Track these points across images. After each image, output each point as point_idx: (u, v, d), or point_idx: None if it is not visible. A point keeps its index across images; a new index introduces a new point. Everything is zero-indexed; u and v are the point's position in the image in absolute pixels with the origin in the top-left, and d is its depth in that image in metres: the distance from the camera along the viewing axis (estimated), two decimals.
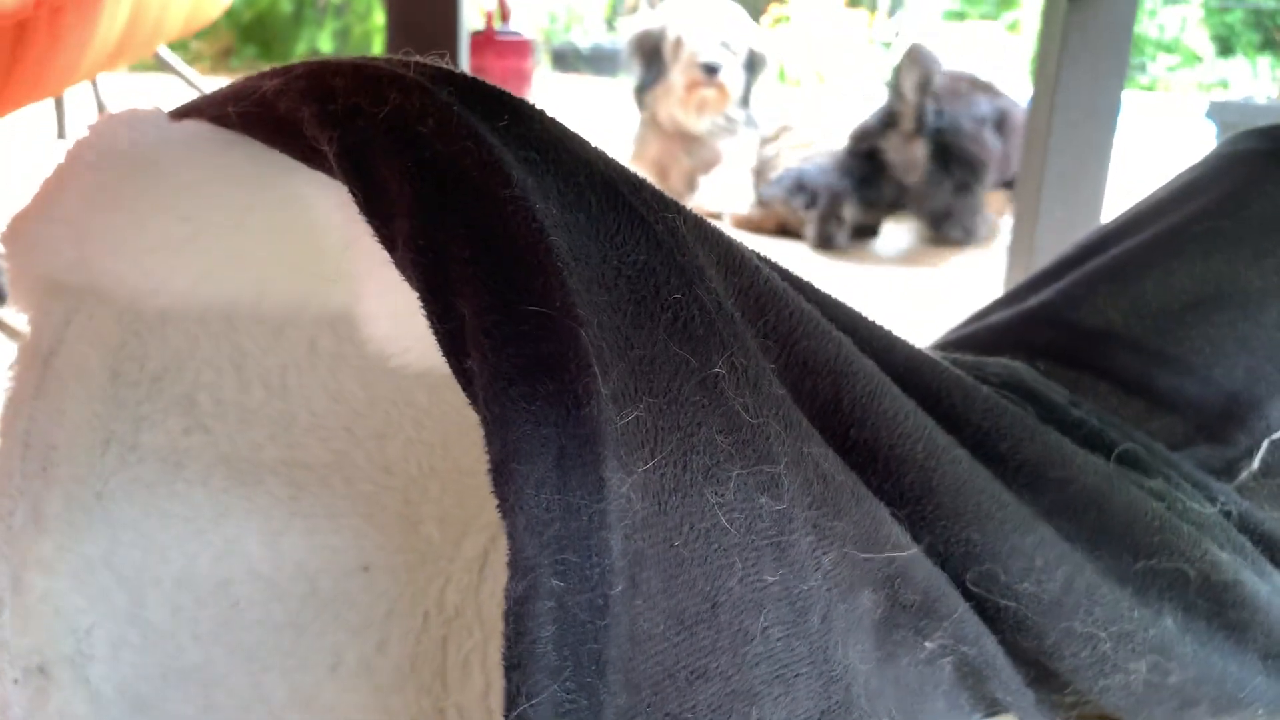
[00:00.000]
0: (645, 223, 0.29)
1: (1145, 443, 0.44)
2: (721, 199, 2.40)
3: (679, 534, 0.26)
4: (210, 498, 0.40)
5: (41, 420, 0.35)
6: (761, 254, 0.34)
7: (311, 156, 0.29)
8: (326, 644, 0.43)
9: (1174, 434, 0.48)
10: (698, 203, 2.39)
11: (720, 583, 0.26)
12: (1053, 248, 0.58)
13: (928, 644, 0.34)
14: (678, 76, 2.46)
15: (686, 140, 2.45)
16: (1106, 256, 0.54)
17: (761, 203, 2.34)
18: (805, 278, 0.36)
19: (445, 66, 0.30)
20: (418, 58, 0.30)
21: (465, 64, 1.21)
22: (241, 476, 0.41)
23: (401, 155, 0.26)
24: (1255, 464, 0.47)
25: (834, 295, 0.36)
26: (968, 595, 0.35)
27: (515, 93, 0.29)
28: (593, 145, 0.30)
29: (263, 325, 0.37)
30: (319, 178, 0.29)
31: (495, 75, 4.16)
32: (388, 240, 0.26)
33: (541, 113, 0.30)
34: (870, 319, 0.37)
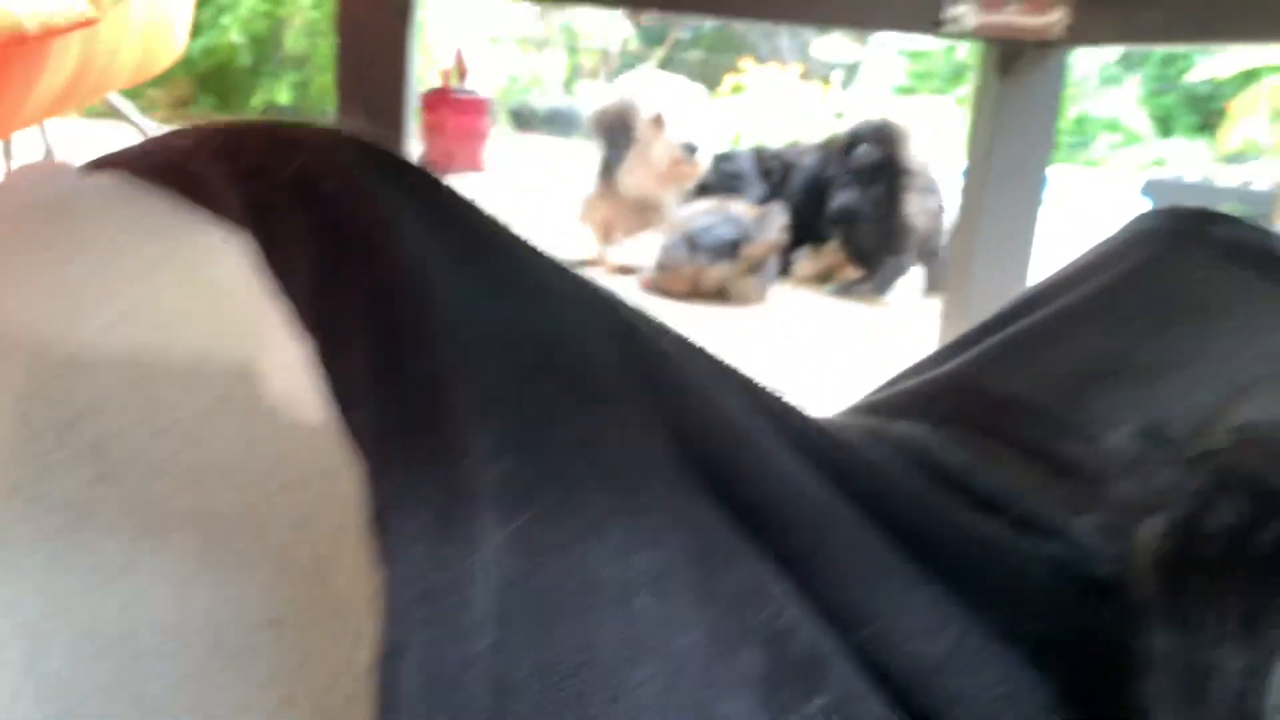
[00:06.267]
0: (542, 289, 0.30)
1: (1043, 508, 0.46)
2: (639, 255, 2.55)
3: (553, 590, 0.26)
4: (118, 548, 0.40)
5: None
6: (653, 318, 0.35)
7: (219, 212, 0.30)
8: (232, 697, 0.43)
9: (1075, 501, 0.49)
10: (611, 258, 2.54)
11: (596, 637, 0.27)
12: (982, 313, 0.60)
13: (817, 700, 0.34)
14: (660, 154, 2.58)
15: (645, 208, 2.53)
16: (1017, 326, 0.56)
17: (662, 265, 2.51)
18: (697, 340, 0.37)
19: (362, 135, 0.31)
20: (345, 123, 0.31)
21: (411, 119, 1.23)
22: (150, 527, 0.40)
23: (303, 214, 0.27)
24: None
25: (724, 358, 0.37)
26: (859, 654, 0.36)
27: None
28: (491, 213, 0.31)
29: (176, 375, 0.38)
30: (226, 233, 0.29)
31: (450, 132, 4.20)
32: (288, 296, 0.27)
33: (443, 181, 0.31)
34: (760, 382, 0.38)
